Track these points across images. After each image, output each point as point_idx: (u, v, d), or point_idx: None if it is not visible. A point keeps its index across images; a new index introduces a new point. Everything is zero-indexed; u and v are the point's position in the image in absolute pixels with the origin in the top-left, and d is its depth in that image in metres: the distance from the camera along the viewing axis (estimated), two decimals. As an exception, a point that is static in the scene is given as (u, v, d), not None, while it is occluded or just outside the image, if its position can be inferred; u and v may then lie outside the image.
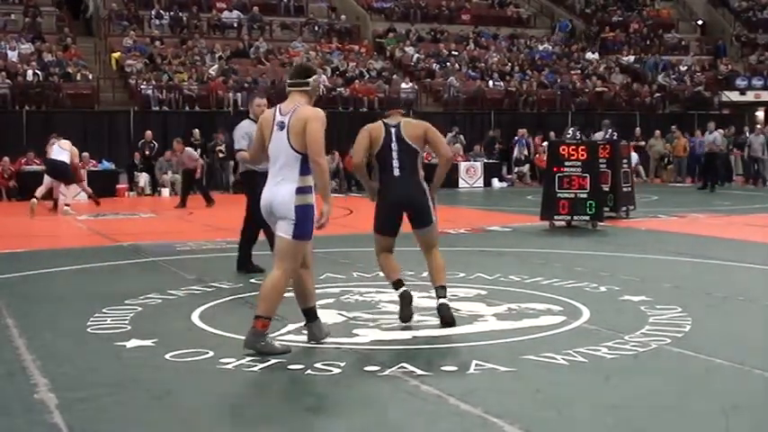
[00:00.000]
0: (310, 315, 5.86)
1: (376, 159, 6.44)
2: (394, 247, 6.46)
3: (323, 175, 5.43)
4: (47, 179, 17.28)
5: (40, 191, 16.89)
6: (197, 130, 23.47)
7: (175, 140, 20.22)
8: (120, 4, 29.18)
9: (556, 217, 13.20)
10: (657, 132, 26.17)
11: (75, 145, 21.45)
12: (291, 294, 7.66)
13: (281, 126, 5.48)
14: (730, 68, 33.82)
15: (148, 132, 22.66)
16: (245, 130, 8.45)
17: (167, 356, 5.49)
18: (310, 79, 5.64)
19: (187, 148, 19.71)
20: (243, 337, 5.97)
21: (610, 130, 18.21)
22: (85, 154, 21.90)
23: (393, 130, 6.33)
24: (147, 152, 22.28)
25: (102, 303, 7.23)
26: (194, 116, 24.47)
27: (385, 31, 31.95)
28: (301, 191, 5.43)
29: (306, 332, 5.90)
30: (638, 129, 27.35)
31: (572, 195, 12.94)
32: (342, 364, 5.24)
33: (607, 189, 13.74)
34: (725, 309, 7.03)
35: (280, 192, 5.44)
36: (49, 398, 4.66)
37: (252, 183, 8.12)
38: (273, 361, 5.32)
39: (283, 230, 5.46)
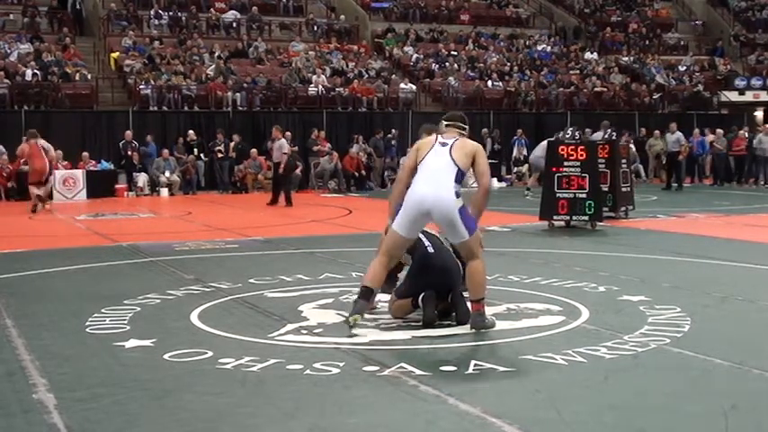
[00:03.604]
0: (367, 294, 6.23)
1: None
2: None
3: (486, 197, 6.31)
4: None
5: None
6: (191, 131, 23.48)
7: (275, 127, 19.84)
8: (119, 3, 29.16)
9: (555, 217, 13.21)
10: (657, 132, 26.18)
11: (73, 145, 21.66)
12: (291, 294, 7.68)
13: (444, 144, 6.27)
14: (729, 68, 33.84)
15: (128, 132, 22.62)
16: None
17: (166, 356, 5.49)
18: (467, 126, 6.55)
19: (281, 140, 19.00)
20: (242, 337, 6.00)
21: (609, 131, 18.21)
22: (85, 154, 21.97)
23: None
24: (129, 152, 22.26)
25: (100, 303, 7.23)
26: (193, 116, 24.46)
27: (384, 31, 31.95)
28: (458, 195, 6.12)
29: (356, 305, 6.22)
30: (643, 129, 27.40)
31: (571, 195, 12.94)
32: (341, 364, 5.24)
33: (606, 189, 13.74)
34: (724, 309, 7.02)
35: (443, 196, 6.07)
36: (47, 398, 4.66)
37: None
38: (273, 361, 5.33)
39: (458, 237, 6.14)
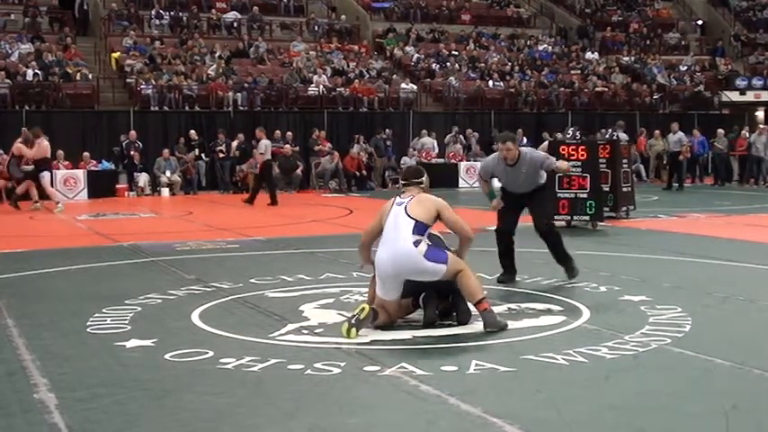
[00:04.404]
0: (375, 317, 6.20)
1: None
2: None
3: (469, 245, 6.48)
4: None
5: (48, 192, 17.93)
6: (193, 131, 23.50)
7: (258, 128, 19.88)
8: (120, 3, 29.18)
9: (556, 217, 13.19)
10: (657, 132, 26.19)
11: (74, 145, 21.67)
12: (292, 294, 7.68)
13: (399, 203, 6.34)
14: (730, 68, 33.82)
15: (132, 132, 22.65)
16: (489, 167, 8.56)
17: (167, 356, 5.49)
18: (423, 178, 6.57)
19: (262, 140, 19.03)
20: (242, 337, 6.00)
21: (610, 130, 18.21)
22: (86, 154, 21.95)
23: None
24: (131, 152, 22.28)
25: (101, 303, 7.23)
26: (194, 116, 24.46)
27: (385, 31, 31.95)
28: (417, 244, 6.15)
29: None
30: (642, 129, 27.42)
31: (572, 195, 12.95)
32: (342, 364, 5.24)
33: (607, 189, 13.75)
34: (725, 309, 7.02)
35: (401, 251, 6.12)
36: (48, 398, 4.66)
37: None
38: (273, 361, 5.33)
39: (436, 275, 6.17)
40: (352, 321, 5.95)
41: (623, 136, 17.08)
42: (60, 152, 20.39)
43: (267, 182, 19.15)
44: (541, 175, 8.42)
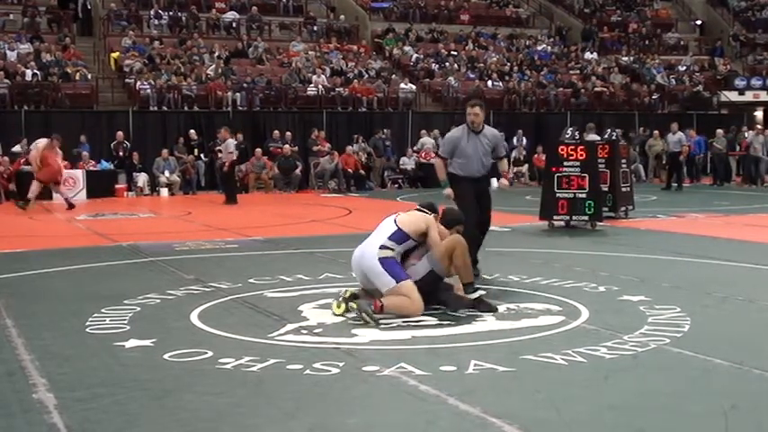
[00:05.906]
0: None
1: None
2: None
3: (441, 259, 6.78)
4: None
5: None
6: (193, 131, 23.52)
7: (223, 128, 20.18)
8: (120, 3, 29.18)
9: (555, 217, 13.21)
10: (656, 132, 26.21)
11: (73, 145, 21.60)
12: (291, 294, 7.68)
13: (395, 214, 6.92)
14: (729, 68, 33.85)
15: (119, 133, 22.73)
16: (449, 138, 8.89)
17: (166, 356, 5.49)
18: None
19: (228, 140, 19.39)
20: (242, 337, 6.00)
21: (609, 130, 18.16)
22: (85, 154, 21.95)
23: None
24: (120, 153, 22.29)
25: (100, 303, 7.23)
26: (193, 116, 24.46)
27: (384, 31, 31.97)
28: (383, 247, 6.65)
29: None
30: (640, 129, 27.46)
31: (571, 195, 12.94)
32: (341, 364, 5.24)
33: (606, 189, 13.74)
34: (724, 309, 7.02)
35: (365, 252, 6.69)
36: (47, 398, 4.66)
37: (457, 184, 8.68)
38: (273, 361, 5.33)
39: (383, 285, 6.59)
40: (339, 300, 6.65)
41: (594, 137, 16.95)
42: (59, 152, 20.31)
43: (228, 180, 19.51)
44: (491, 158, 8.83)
